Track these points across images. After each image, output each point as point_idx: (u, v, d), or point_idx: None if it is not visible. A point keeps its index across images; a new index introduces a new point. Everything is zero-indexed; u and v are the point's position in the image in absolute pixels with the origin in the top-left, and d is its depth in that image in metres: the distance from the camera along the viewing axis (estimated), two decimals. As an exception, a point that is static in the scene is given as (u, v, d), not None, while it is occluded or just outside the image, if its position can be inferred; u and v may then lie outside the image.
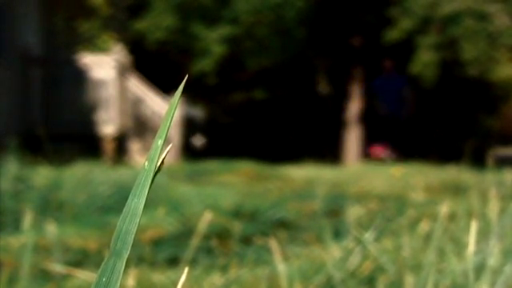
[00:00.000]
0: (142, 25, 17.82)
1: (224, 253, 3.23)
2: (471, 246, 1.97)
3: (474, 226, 1.98)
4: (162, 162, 0.77)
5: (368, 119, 21.46)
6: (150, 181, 0.77)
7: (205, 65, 18.05)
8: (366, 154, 18.20)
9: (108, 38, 15.53)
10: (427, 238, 2.52)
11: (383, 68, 17.03)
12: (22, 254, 2.94)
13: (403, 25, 18.59)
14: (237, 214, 4.13)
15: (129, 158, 14.26)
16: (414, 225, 2.81)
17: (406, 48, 18.93)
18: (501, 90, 20.90)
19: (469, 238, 2.30)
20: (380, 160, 16.08)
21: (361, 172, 9.54)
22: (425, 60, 18.55)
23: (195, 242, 2.63)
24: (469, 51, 18.20)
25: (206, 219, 2.69)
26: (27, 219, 2.50)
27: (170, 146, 0.79)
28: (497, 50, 18.42)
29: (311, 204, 4.81)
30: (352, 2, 20.13)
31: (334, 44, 21.07)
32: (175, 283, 2.53)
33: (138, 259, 3.05)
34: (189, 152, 15.34)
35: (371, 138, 21.95)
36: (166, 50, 18.75)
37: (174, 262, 3.12)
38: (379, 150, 16.97)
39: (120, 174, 5.80)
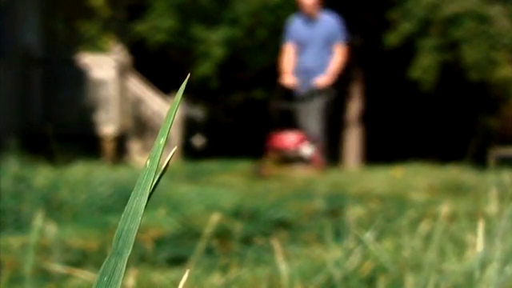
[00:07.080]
0: (142, 27, 17.82)
1: (224, 253, 3.23)
2: (479, 245, 1.97)
3: (480, 226, 1.98)
4: (168, 164, 0.76)
5: (368, 119, 21.44)
6: (151, 180, 0.77)
7: (206, 68, 18.05)
8: (264, 150, 9.83)
9: (108, 38, 15.53)
10: (428, 238, 2.52)
11: (301, 5, 10.24)
12: (23, 255, 2.94)
13: (403, 27, 18.59)
14: (237, 214, 4.13)
15: (129, 157, 14.26)
16: (414, 225, 2.81)
17: (407, 50, 18.92)
18: (501, 91, 20.92)
19: (470, 238, 2.30)
20: (283, 158, 9.30)
21: (361, 172, 9.54)
22: (425, 62, 18.55)
23: (201, 244, 2.63)
24: (469, 53, 18.21)
25: (212, 221, 2.69)
26: (37, 220, 2.49)
27: (175, 148, 0.79)
28: (497, 52, 18.44)
29: (311, 204, 4.81)
30: (352, 2, 20.12)
31: (334, 44, 21.06)
32: (175, 283, 2.53)
33: (138, 259, 3.05)
34: (189, 152, 15.34)
35: (371, 138, 21.93)
36: (167, 51, 18.75)
37: (174, 262, 3.12)
38: (291, 140, 9.50)
39: (120, 173, 5.80)
